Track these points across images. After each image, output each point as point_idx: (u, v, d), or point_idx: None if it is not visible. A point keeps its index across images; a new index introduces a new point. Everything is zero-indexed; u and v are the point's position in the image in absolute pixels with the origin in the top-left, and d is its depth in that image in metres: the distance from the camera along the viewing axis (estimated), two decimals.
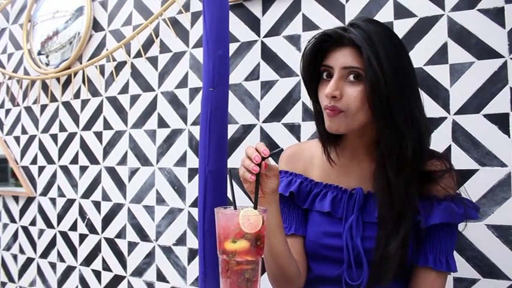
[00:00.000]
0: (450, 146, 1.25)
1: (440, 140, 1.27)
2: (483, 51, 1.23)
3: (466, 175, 1.23)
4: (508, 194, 1.18)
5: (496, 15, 1.21)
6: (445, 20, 1.28)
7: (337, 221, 0.91)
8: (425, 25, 1.30)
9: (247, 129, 1.57)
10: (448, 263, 0.84)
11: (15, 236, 2.21)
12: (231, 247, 0.72)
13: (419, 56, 1.31)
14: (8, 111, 2.26)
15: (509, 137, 1.19)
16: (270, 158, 0.80)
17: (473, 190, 1.22)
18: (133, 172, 1.83)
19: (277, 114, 1.52)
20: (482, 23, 1.23)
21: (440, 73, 1.28)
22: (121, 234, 1.85)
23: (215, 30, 1.39)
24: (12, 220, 2.22)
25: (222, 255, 0.74)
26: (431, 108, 1.28)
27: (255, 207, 0.75)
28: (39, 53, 2.15)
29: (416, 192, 0.84)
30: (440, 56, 1.28)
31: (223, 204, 0.80)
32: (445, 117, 1.26)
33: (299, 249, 0.96)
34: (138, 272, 1.80)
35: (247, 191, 0.83)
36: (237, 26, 1.61)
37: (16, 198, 2.21)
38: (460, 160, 1.24)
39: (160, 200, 1.76)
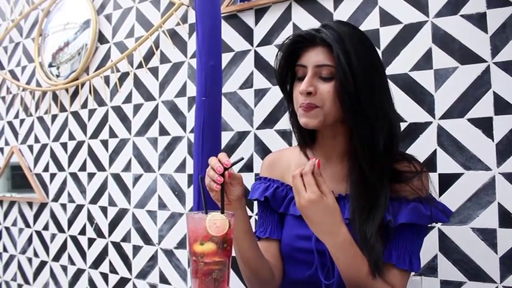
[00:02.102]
0: (436, 150, 1.27)
1: (426, 144, 1.29)
2: (466, 56, 1.24)
3: (451, 179, 1.25)
4: (492, 198, 1.19)
5: (479, 20, 1.23)
6: (429, 26, 1.30)
7: None
8: (410, 31, 1.33)
9: (242, 135, 1.62)
10: (411, 262, 0.86)
11: (29, 240, 2.31)
12: (199, 249, 0.77)
13: (404, 62, 1.33)
14: (22, 121, 2.37)
15: (493, 140, 1.20)
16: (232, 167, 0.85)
17: (458, 194, 1.24)
18: (137, 178, 1.90)
19: (269, 121, 1.56)
20: (465, 28, 1.25)
21: (425, 78, 1.30)
22: (126, 238, 1.92)
23: (207, 41, 1.45)
24: (27, 225, 2.33)
25: (192, 257, 0.79)
26: (416, 113, 1.30)
27: (222, 213, 0.80)
28: (50, 65, 2.25)
29: (388, 186, 0.87)
30: (425, 62, 1.30)
31: (216, 209, 0.85)
32: (431, 122, 1.28)
33: (274, 253, 0.99)
34: (142, 274, 1.87)
35: (214, 199, 0.87)
36: (231, 36, 1.66)
37: (30, 204, 2.32)
38: (445, 164, 1.26)
39: (162, 205, 1.82)
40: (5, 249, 2.44)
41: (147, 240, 1.86)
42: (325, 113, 0.87)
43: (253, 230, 1.00)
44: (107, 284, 1.98)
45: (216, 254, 0.77)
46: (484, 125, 1.21)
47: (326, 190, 0.79)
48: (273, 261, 0.98)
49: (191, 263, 0.80)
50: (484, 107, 1.22)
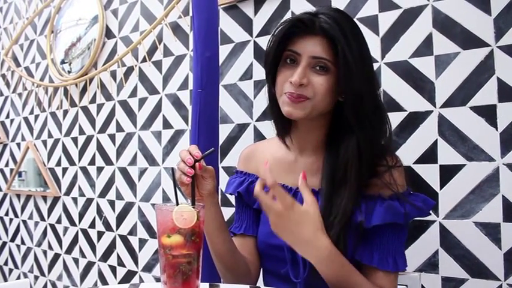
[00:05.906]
0: (436, 140, 1.21)
1: (426, 134, 1.22)
2: (469, 40, 1.17)
3: (452, 171, 1.18)
4: (496, 190, 1.12)
5: (482, 1, 1.16)
6: (429, 9, 1.23)
7: None
8: (409, 16, 1.26)
9: (242, 128, 1.59)
10: (395, 262, 0.81)
11: (44, 233, 2.37)
12: (166, 241, 0.75)
13: (404, 48, 1.27)
14: (36, 117, 2.43)
15: (496, 129, 1.13)
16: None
17: (460, 186, 1.18)
18: (142, 172, 1.91)
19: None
20: (467, 10, 1.18)
21: (425, 65, 1.24)
22: (132, 231, 1.94)
23: (203, 32, 1.43)
24: (42, 218, 2.39)
25: (160, 250, 0.77)
26: (416, 101, 1.24)
27: (193, 206, 0.78)
28: (63, 62, 2.28)
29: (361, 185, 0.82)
30: (425, 48, 1.24)
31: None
32: (431, 111, 1.22)
33: (250, 249, 0.96)
34: (148, 267, 1.88)
35: (185, 194, 0.84)
36: (231, 27, 1.64)
37: (45, 198, 2.37)
38: (447, 155, 1.19)
39: (166, 199, 1.82)
40: (22, 242, 2.52)
41: (152, 233, 1.86)
42: (313, 106, 0.82)
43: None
44: (115, 277, 2.01)
45: (183, 247, 0.75)
46: (488, 113, 1.14)
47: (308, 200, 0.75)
48: (249, 257, 0.95)
49: (160, 257, 0.78)
50: (487, 94, 1.14)
